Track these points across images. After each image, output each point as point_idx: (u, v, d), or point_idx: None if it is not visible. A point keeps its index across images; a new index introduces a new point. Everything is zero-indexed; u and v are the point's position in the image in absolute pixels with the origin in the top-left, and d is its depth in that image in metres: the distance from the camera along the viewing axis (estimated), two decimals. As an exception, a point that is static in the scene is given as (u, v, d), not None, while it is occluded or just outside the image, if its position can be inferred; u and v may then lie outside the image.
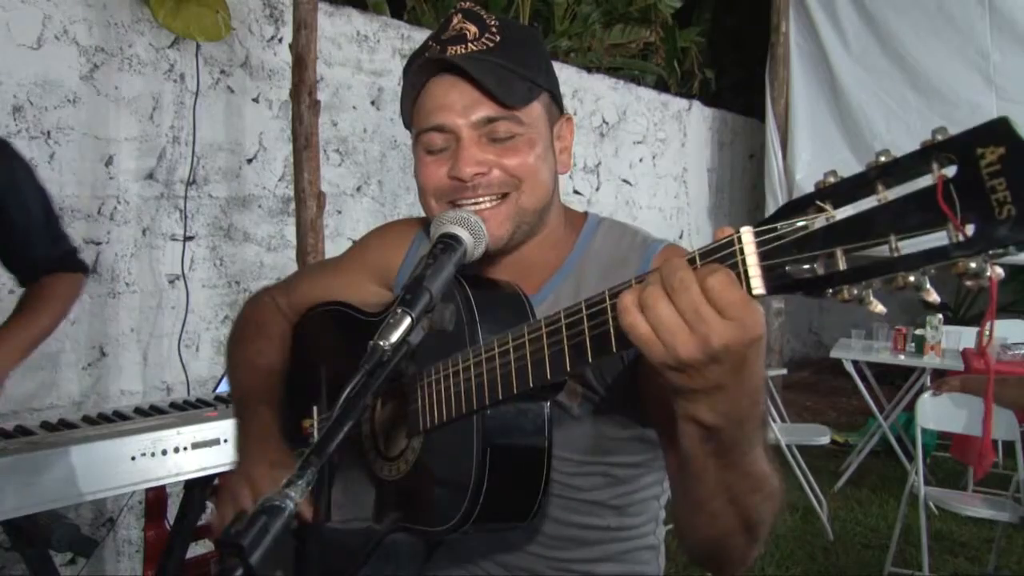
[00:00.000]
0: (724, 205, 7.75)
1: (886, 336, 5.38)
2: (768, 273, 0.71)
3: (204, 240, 3.52)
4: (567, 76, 5.72)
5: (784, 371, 6.11)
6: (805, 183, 6.64)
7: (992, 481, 4.56)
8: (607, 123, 6.12)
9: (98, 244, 3.15)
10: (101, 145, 3.15)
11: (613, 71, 6.52)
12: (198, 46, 3.37)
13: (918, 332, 5.08)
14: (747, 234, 0.72)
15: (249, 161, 3.69)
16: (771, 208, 6.80)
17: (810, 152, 6.68)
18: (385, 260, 1.33)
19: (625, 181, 6.37)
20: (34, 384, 2.96)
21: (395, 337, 0.88)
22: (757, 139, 7.66)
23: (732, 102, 7.97)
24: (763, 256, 0.71)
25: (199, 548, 2.78)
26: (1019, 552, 4.06)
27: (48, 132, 2.98)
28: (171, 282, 3.39)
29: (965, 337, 5.08)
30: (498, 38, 1.11)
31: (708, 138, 7.46)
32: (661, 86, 7.21)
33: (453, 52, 1.09)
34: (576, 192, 5.84)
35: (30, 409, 2.91)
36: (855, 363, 5.08)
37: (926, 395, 3.66)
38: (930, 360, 4.93)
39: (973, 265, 0.60)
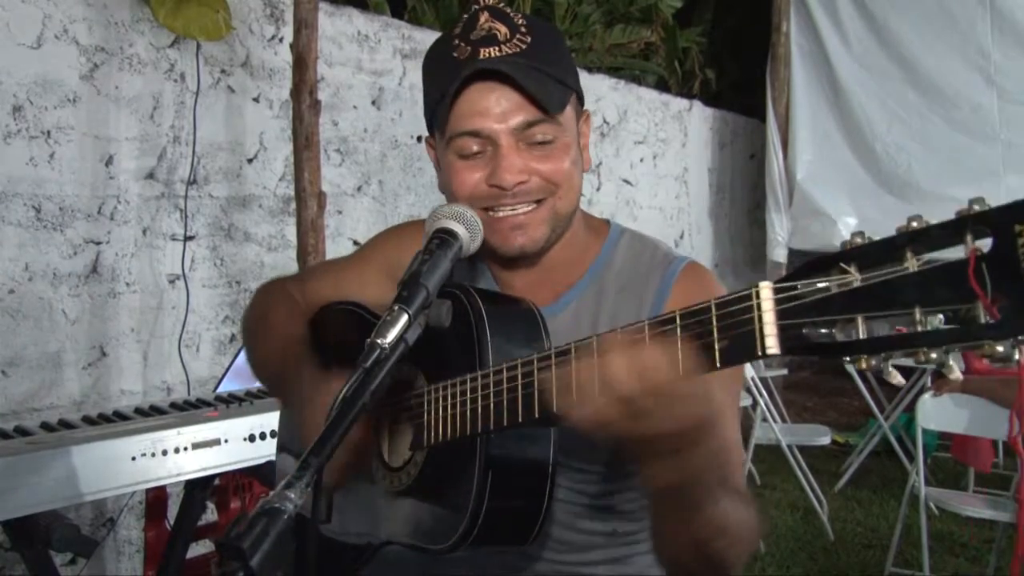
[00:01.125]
0: (725, 205, 7.75)
1: (887, 336, 5.36)
2: (784, 333, 0.68)
3: (204, 240, 3.52)
4: (568, 76, 5.72)
5: (785, 371, 6.10)
6: (806, 183, 6.64)
7: (993, 481, 4.56)
8: (608, 123, 6.12)
9: (98, 244, 3.15)
10: (101, 145, 3.14)
11: (614, 71, 6.51)
12: (198, 46, 3.37)
13: (919, 332, 5.07)
14: (766, 290, 0.69)
15: (249, 161, 3.69)
16: (772, 208, 6.80)
17: (811, 152, 6.68)
18: (400, 258, 1.29)
19: (626, 181, 6.36)
20: (34, 384, 2.95)
21: (392, 335, 0.87)
22: (758, 139, 7.65)
23: (733, 102, 7.96)
24: (780, 315, 0.68)
25: (200, 548, 2.78)
26: (1020, 553, 4.05)
27: (48, 132, 2.97)
28: (171, 282, 3.39)
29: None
30: (529, 39, 1.09)
31: (709, 138, 7.45)
32: (662, 86, 7.21)
33: (486, 54, 1.07)
34: (577, 192, 5.83)
35: (30, 409, 2.91)
36: (856, 363, 5.07)
37: (927, 396, 3.65)
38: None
39: (1000, 349, 0.57)
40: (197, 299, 3.46)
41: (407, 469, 1.10)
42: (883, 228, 0.66)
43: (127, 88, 3.21)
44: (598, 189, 6.05)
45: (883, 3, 6.25)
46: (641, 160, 6.53)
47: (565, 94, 1.10)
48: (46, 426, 2.19)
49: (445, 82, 1.09)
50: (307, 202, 3.13)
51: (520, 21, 1.10)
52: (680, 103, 7.01)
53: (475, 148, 1.09)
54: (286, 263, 3.72)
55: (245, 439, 2.21)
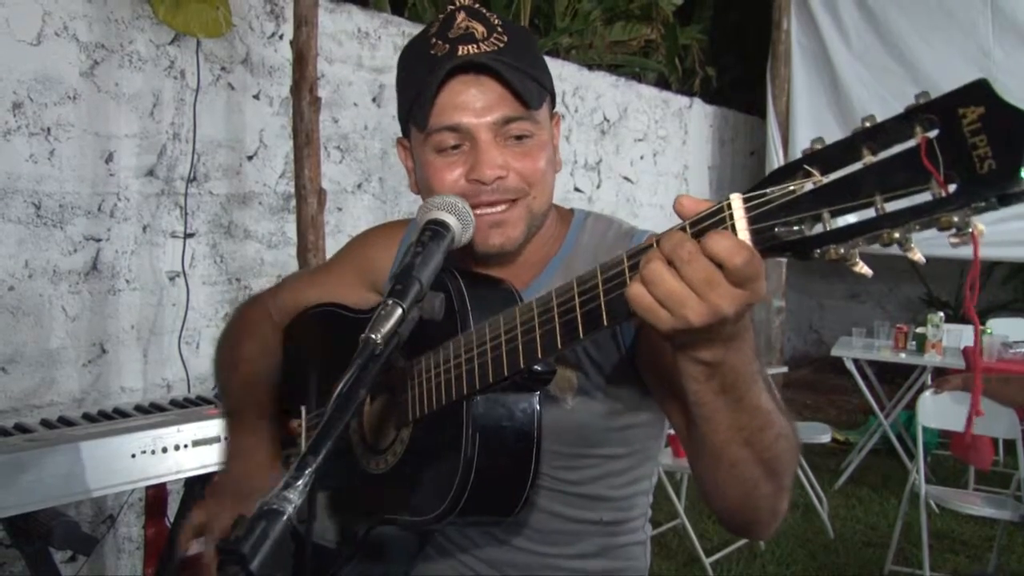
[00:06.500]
0: (725, 202, 7.73)
1: (887, 334, 5.37)
2: (757, 236, 0.73)
3: (204, 237, 3.52)
4: (568, 73, 5.71)
5: (785, 369, 6.10)
6: (806, 180, 6.63)
7: (993, 479, 4.57)
8: (608, 120, 6.11)
9: (98, 241, 3.14)
10: (101, 142, 3.14)
11: (614, 68, 6.50)
12: (198, 43, 3.36)
13: (919, 330, 5.08)
14: (736, 200, 0.74)
15: (250, 158, 3.68)
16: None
17: (811, 149, 6.67)
18: (374, 264, 1.33)
19: (626, 179, 6.36)
20: (34, 381, 2.95)
21: (386, 329, 0.87)
22: (758, 136, 7.64)
23: (733, 99, 7.95)
24: (752, 220, 0.73)
25: (200, 546, 2.77)
26: (1020, 550, 4.06)
27: (48, 129, 2.97)
28: (171, 279, 3.39)
29: (966, 335, 5.07)
30: (506, 38, 1.10)
31: (709, 135, 7.45)
32: (662, 83, 7.20)
33: (465, 51, 1.08)
34: (577, 190, 5.83)
35: (30, 406, 2.91)
36: (856, 361, 5.08)
37: (927, 393, 3.65)
38: (931, 358, 4.92)
39: (956, 219, 0.62)
40: (197, 296, 3.46)
41: (393, 448, 1.11)
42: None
43: (127, 85, 3.21)
44: (598, 187, 6.05)
45: (884, 0, 6.24)
46: (641, 157, 6.52)
47: (542, 92, 1.12)
48: (46, 423, 2.19)
49: (424, 78, 1.09)
50: (307, 199, 3.13)
51: (496, 21, 1.12)
52: (680, 100, 7.00)
53: (452, 142, 1.10)
54: (286, 260, 3.72)
55: (245, 437, 2.21)
